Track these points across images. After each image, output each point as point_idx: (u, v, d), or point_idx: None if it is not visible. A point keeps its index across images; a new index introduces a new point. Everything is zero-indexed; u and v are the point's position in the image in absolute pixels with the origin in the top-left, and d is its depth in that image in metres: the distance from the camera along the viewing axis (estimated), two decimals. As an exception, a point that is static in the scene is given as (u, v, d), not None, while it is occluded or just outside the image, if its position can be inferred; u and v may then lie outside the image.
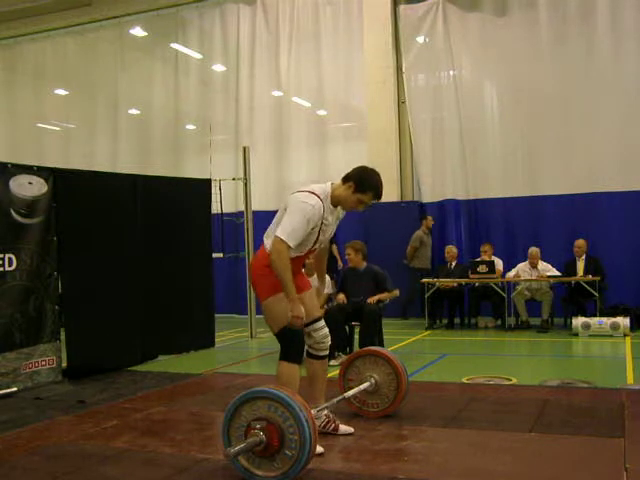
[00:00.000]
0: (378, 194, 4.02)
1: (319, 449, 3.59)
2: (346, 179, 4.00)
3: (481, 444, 3.98)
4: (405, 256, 10.64)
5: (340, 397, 4.29)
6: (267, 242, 3.96)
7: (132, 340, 7.13)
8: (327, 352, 4.20)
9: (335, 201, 4.01)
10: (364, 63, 11.65)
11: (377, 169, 4.10)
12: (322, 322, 4.12)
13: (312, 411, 3.50)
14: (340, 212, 4.14)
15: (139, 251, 7.24)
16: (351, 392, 4.43)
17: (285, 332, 3.89)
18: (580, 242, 9.70)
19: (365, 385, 4.49)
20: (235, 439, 3.39)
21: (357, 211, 4.17)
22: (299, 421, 3.25)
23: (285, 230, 3.78)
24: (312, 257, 4.39)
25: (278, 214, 3.99)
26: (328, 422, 4.14)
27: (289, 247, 3.77)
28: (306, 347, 4.10)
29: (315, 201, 3.85)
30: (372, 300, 7.00)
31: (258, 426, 3.30)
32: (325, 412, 4.14)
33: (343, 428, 4.18)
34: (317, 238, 3.97)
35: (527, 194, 10.68)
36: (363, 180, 3.97)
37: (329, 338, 4.18)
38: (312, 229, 3.88)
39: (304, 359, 4.13)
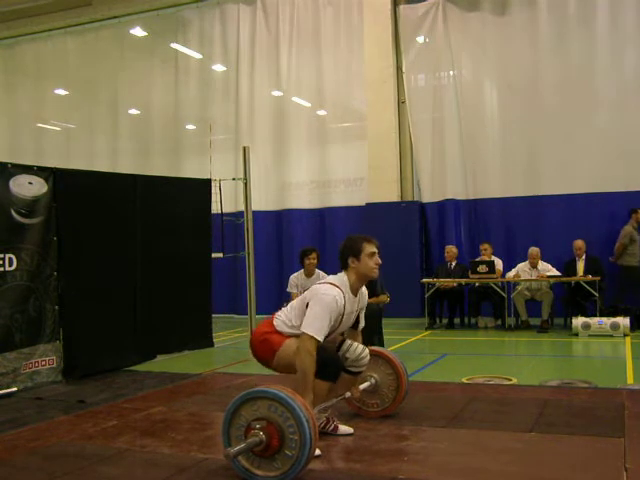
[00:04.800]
0: (368, 239, 4.03)
1: (316, 451, 3.56)
2: (343, 262, 4.01)
3: (481, 444, 3.98)
4: (613, 253, 9.78)
5: (340, 397, 4.28)
6: (277, 322, 4.01)
7: (131, 340, 7.13)
8: (364, 369, 4.22)
9: (356, 285, 4.02)
10: (364, 63, 11.64)
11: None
12: (349, 341, 4.14)
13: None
14: (363, 299, 4.13)
15: (139, 251, 7.25)
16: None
17: (319, 359, 3.79)
18: (579, 243, 9.70)
19: (365, 385, 4.49)
20: (235, 439, 3.39)
21: (373, 271, 4.06)
22: (299, 421, 3.24)
23: (313, 326, 3.77)
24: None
25: (297, 302, 4.02)
26: (328, 422, 4.15)
27: (318, 342, 3.76)
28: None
29: (337, 292, 3.88)
30: None
31: (258, 426, 3.29)
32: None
33: (343, 428, 4.18)
34: (337, 327, 3.98)
35: (527, 194, 10.68)
36: (350, 247, 4.00)
37: (367, 352, 4.19)
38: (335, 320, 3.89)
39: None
